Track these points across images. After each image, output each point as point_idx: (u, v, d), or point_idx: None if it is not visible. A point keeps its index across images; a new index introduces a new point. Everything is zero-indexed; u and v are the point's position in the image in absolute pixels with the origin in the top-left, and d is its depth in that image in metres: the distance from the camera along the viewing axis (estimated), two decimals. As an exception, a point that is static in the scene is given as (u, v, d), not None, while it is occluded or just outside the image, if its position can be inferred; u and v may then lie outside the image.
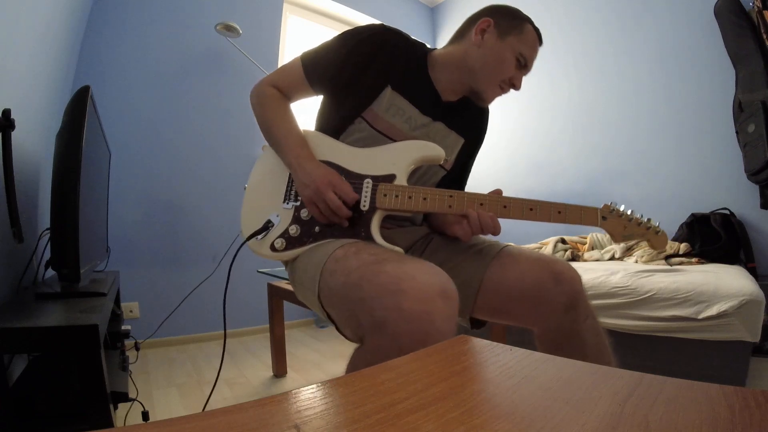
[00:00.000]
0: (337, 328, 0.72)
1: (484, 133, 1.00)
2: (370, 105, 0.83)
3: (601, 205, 0.76)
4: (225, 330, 0.89)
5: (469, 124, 0.94)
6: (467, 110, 0.92)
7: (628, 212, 0.76)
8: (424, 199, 0.76)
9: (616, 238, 0.76)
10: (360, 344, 0.63)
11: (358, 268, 0.63)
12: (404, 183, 0.78)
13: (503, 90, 0.86)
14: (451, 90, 0.88)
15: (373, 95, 0.83)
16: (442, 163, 0.86)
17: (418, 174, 0.89)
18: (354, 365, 0.61)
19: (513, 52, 0.82)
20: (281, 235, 0.79)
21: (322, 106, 0.90)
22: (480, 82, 0.84)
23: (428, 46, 0.92)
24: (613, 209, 0.76)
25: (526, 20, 0.84)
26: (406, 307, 0.54)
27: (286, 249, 0.79)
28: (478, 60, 0.83)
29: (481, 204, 0.76)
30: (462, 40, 0.86)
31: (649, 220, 0.76)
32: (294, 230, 0.79)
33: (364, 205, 0.77)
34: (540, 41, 0.86)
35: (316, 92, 0.89)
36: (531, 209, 0.76)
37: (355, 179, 0.79)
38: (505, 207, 0.76)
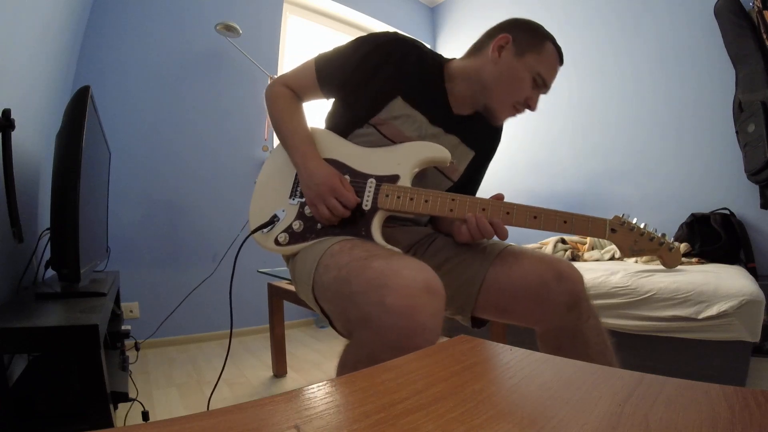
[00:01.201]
0: (331, 324, 0.72)
1: (497, 144, 0.98)
2: (379, 113, 0.83)
3: (609, 213, 0.74)
4: (231, 328, 0.89)
5: (480, 137, 0.93)
6: (480, 123, 0.91)
7: (641, 225, 0.73)
8: (426, 201, 0.76)
9: (624, 252, 0.73)
10: (349, 339, 0.64)
11: (348, 263, 0.64)
12: (408, 184, 0.78)
13: (518, 110, 0.84)
14: (463, 104, 0.87)
15: (382, 103, 0.82)
16: (448, 165, 0.85)
17: (423, 184, 0.88)
18: (343, 360, 0.62)
19: (530, 71, 0.80)
20: (285, 230, 0.81)
21: (332, 108, 0.91)
22: (493, 100, 0.83)
23: (444, 57, 0.91)
24: (624, 221, 0.73)
25: (548, 38, 0.81)
26: (389, 302, 0.54)
27: (289, 243, 0.80)
28: (493, 77, 0.81)
29: (483, 209, 0.75)
30: (479, 54, 0.84)
31: (663, 235, 0.73)
32: (297, 226, 0.80)
33: (366, 204, 0.78)
34: (561, 61, 0.83)
35: (326, 95, 0.90)
36: (535, 217, 0.74)
37: (360, 178, 0.80)
38: (508, 213, 0.75)
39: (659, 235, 0.73)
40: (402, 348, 0.52)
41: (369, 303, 0.56)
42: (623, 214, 0.74)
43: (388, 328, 0.54)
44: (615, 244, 0.73)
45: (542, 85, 0.82)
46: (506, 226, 0.75)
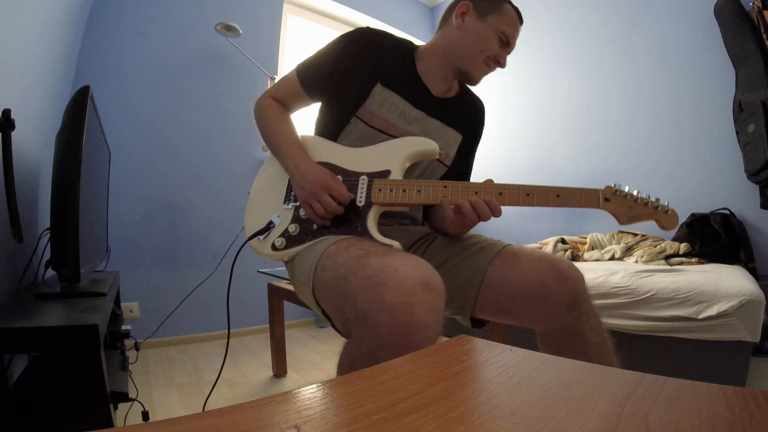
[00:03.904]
0: (332, 324, 0.72)
1: (482, 127, 1.01)
2: (363, 104, 0.84)
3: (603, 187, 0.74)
4: (228, 329, 0.90)
5: (465, 120, 0.95)
6: (462, 106, 0.94)
7: (634, 192, 0.74)
8: (419, 191, 0.76)
9: (621, 220, 0.74)
10: (348, 338, 0.64)
11: (345, 262, 0.64)
12: (399, 178, 0.79)
13: (489, 67, 0.88)
14: (441, 77, 0.90)
15: (364, 94, 0.85)
16: (439, 157, 0.87)
17: (419, 172, 0.90)
18: (342, 359, 0.62)
19: (495, 30, 0.84)
20: (281, 234, 0.81)
21: (319, 112, 0.93)
22: (466, 62, 0.87)
23: (415, 44, 0.94)
24: (617, 190, 0.73)
25: (504, 0, 0.86)
26: (387, 299, 0.54)
27: (286, 248, 0.80)
28: (461, 41, 0.86)
29: (476, 193, 0.75)
30: (445, 27, 0.89)
31: (657, 199, 0.73)
32: (293, 229, 0.80)
33: (360, 200, 0.78)
34: (521, 20, 0.88)
35: (313, 99, 0.92)
36: (528, 195, 0.74)
37: (351, 177, 0.81)
38: (500, 194, 0.75)
39: (653, 199, 0.73)
40: (400, 345, 0.52)
41: (367, 300, 0.56)
42: (615, 184, 0.74)
43: (386, 326, 0.53)
44: (610, 212, 0.74)
45: (507, 43, 0.86)
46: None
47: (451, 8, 0.89)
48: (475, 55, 0.86)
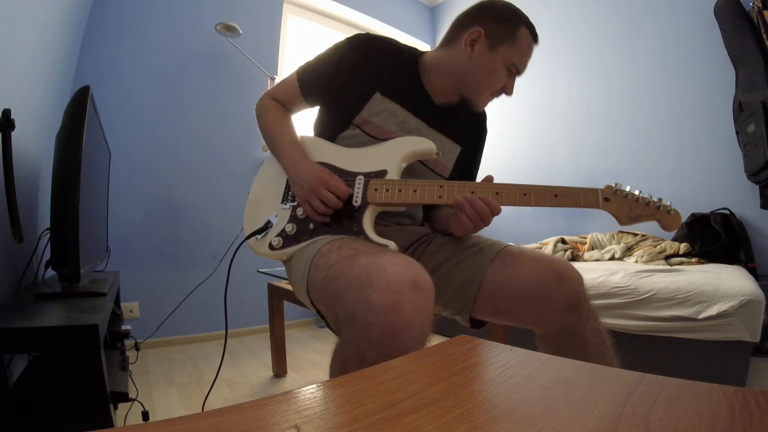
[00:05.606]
0: (327, 324, 0.73)
1: (483, 138, 0.99)
2: (361, 111, 0.84)
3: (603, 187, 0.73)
4: (226, 329, 0.90)
5: (465, 131, 0.94)
6: (463, 116, 0.92)
7: (635, 192, 0.72)
8: (414, 191, 0.76)
9: (621, 220, 0.72)
10: (339, 337, 0.63)
11: (336, 262, 0.64)
12: (396, 178, 0.79)
13: (495, 96, 0.87)
14: (443, 94, 0.89)
15: (362, 101, 0.84)
16: (436, 157, 0.87)
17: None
18: (333, 359, 0.62)
19: (505, 63, 0.81)
20: (279, 234, 0.81)
21: (318, 114, 0.93)
22: (471, 93, 0.85)
23: (420, 50, 0.93)
24: (617, 189, 0.72)
25: (521, 23, 0.81)
26: (373, 299, 0.53)
27: (283, 247, 0.80)
28: (468, 72, 0.83)
29: (472, 192, 0.75)
30: (452, 45, 0.85)
31: (659, 199, 0.72)
32: (290, 228, 0.81)
33: (356, 200, 0.78)
34: (536, 40, 0.83)
35: (311, 104, 0.92)
36: (525, 194, 0.73)
37: (348, 177, 0.81)
38: (497, 193, 0.74)
39: (655, 199, 0.72)
40: (388, 345, 0.52)
41: (354, 301, 0.56)
42: (615, 183, 0.73)
43: (373, 326, 0.53)
44: (610, 212, 0.72)
45: (516, 72, 0.84)
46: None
47: (460, 24, 0.85)
48: (482, 89, 0.84)
